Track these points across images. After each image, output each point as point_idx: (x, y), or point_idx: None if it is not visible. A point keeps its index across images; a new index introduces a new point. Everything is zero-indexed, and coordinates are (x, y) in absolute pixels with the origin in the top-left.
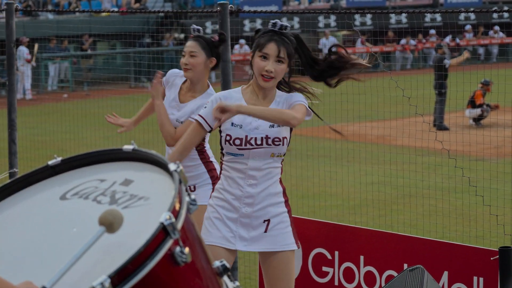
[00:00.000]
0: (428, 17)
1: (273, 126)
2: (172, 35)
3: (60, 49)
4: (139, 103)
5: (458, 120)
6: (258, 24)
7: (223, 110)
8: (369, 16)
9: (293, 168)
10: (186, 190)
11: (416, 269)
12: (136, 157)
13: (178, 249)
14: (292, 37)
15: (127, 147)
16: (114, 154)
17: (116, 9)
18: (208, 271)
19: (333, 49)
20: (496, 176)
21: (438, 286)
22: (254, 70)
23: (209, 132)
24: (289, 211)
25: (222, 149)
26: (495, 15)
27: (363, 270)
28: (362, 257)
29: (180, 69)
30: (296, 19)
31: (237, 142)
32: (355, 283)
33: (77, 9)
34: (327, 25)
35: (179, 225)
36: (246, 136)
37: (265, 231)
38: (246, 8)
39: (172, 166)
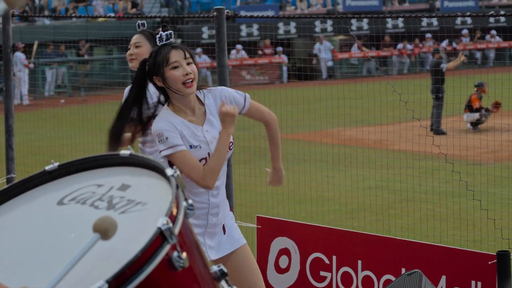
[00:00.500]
0: (424, 21)
1: None
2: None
3: (57, 55)
4: None
5: (455, 125)
6: (254, 29)
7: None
8: (365, 20)
9: (290, 173)
10: (183, 195)
11: (414, 273)
12: (133, 162)
13: (175, 254)
14: None
15: (124, 152)
16: (111, 159)
17: (112, 15)
18: (206, 276)
19: None
20: (494, 181)
21: None
22: (172, 85)
23: None
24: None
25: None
26: (491, 20)
27: (361, 274)
28: (360, 262)
29: None
30: (293, 24)
31: (203, 162)
32: None
33: (73, 15)
34: (323, 30)
35: (176, 230)
36: (209, 153)
37: (224, 233)
38: (242, 13)
39: (169, 171)
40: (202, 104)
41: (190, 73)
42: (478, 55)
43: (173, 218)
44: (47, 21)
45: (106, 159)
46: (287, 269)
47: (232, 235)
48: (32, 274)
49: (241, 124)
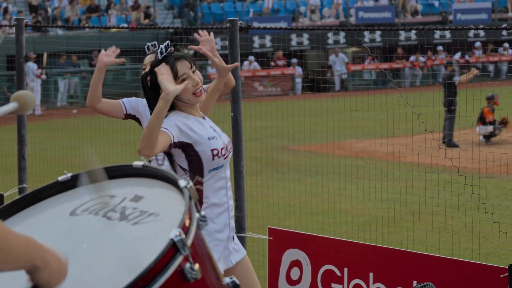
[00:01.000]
0: (437, 34)
1: (223, 131)
2: (181, 51)
3: (70, 65)
4: None
5: (467, 137)
6: (267, 40)
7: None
8: (378, 32)
9: (302, 185)
10: (196, 207)
11: (426, 286)
12: (146, 173)
13: (188, 265)
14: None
15: (137, 163)
16: (124, 170)
17: (125, 25)
18: (218, 287)
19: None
20: (506, 194)
21: None
22: (183, 96)
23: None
24: None
25: (201, 172)
26: (504, 32)
27: (373, 287)
28: (371, 274)
29: None
30: (306, 35)
31: (224, 151)
32: None
33: (86, 25)
34: (336, 42)
35: (189, 242)
36: (224, 142)
37: (233, 240)
38: (255, 24)
39: (182, 183)
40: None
41: (199, 82)
42: (491, 67)
43: (185, 230)
44: (60, 31)
45: (119, 170)
46: (298, 281)
47: (237, 241)
48: None
49: (253, 135)
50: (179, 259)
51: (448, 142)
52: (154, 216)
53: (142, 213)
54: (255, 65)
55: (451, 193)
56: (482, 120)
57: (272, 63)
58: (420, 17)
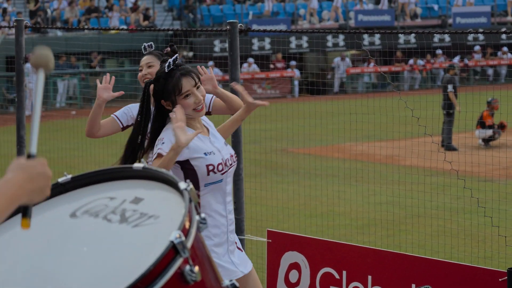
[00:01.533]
0: (436, 37)
1: (226, 144)
2: (181, 53)
3: (69, 66)
4: None
5: (466, 141)
6: (266, 43)
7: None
8: (377, 36)
9: (301, 188)
10: (196, 209)
11: None
12: (146, 175)
13: (187, 267)
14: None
15: (137, 165)
16: (124, 172)
17: (125, 27)
18: None
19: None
20: (505, 197)
21: None
22: (185, 111)
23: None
24: None
25: (195, 185)
26: (503, 36)
27: None
28: (370, 277)
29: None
30: (305, 38)
31: (220, 167)
32: None
33: (86, 27)
34: (335, 45)
35: (189, 244)
36: (222, 159)
37: (242, 251)
38: (255, 27)
39: (182, 185)
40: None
41: (201, 100)
42: (490, 71)
43: (185, 232)
44: (59, 33)
45: (119, 172)
46: (297, 284)
47: (244, 255)
48: (44, 286)
49: (252, 138)
50: (179, 261)
51: (447, 145)
52: (154, 218)
53: (142, 215)
54: (254, 67)
55: (450, 197)
56: (481, 124)
57: (271, 66)
58: (420, 21)
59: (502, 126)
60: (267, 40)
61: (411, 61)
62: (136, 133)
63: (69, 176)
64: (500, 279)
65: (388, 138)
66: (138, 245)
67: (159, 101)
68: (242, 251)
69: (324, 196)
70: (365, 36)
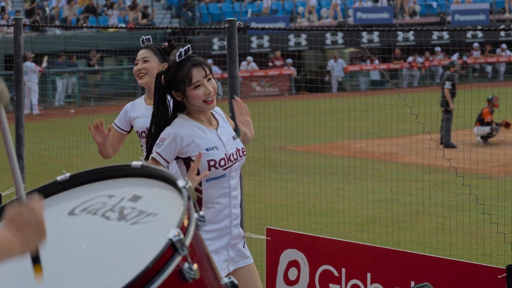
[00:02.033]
0: (435, 34)
1: (234, 138)
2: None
3: (68, 65)
4: None
5: (465, 138)
6: (265, 40)
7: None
8: (376, 33)
9: (300, 185)
10: (195, 207)
11: (423, 286)
12: (144, 173)
13: (186, 265)
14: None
15: (136, 163)
16: (123, 170)
17: (123, 25)
18: (216, 287)
19: None
20: (504, 194)
21: None
22: (194, 102)
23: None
24: None
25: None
26: (502, 33)
27: (370, 287)
28: (369, 274)
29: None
30: (304, 36)
31: (222, 163)
32: None
33: (84, 25)
34: (334, 42)
35: (187, 242)
36: (226, 154)
37: (243, 246)
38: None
39: (180, 183)
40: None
41: (211, 91)
42: (489, 69)
43: (184, 230)
44: (58, 31)
45: (118, 169)
46: (296, 281)
47: (246, 248)
48: (42, 284)
49: None
50: (177, 259)
51: (446, 142)
52: (153, 216)
53: (140, 213)
54: (253, 65)
55: (449, 194)
56: (480, 121)
57: (270, 64)
58: (418, 18)
59: (507, 125)
60: (266, 38)
61: (410, 59)
62: (151, 125)
63: (68, 174)
64: (499, 276)
65: (387, 136)
66: (137, 243)
67: (170, 92)
68: (244, 247)
69: (323, 194)
70: (364, 33)
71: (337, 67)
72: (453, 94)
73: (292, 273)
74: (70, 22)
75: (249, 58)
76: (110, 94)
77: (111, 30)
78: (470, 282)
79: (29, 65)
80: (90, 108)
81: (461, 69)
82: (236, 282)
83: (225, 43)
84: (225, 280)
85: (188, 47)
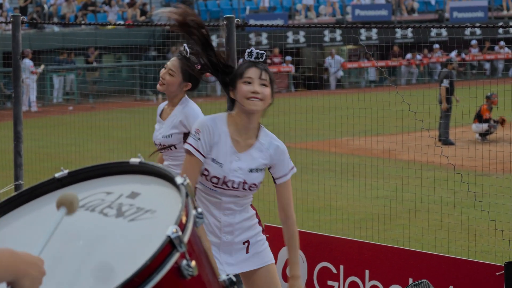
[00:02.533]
0: (434, 32)
1: (251, 171)
2: (178, 48)
3: (66, 62)
4: (144, 116)
5: (463, 135)
6: (263, 38)
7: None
8: (374, 30)
9: (298, 182)
10: (193, 204)
11: (422, 283)
12: (143, 170)
13: (184, 262)
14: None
15: (134, 160)
16: (121, 167)
17: (122, 22)
18: (215, 284)
19: None
20: (502, 192)
21: None
22: (239, 97)
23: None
24: (263, 230)
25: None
26: (500, 30)
27: (368, 284)
28: (367, 272)
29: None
30: (302, 33)
31: (214, 180)
32: None
33: (83, 22)
34: (332, 39)
35: (185, 239)
36: (224, 177)
37: (247, 252)
38: (252, 22)
39: (178, 180)
40: (256, 137)
41: (259, 93)
42: (487, 66)
43: (182, 227)
44: (56, 28)
45: (116, 166)
46: None
47: (255, 254)
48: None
49: None
50: (175, 256)
51: (444, 139)
52: (151, 213)
53: (138, 210)
54: None
55: (447, 191)
56: (478, 118)
57: (269, 61)
58: (417, 15)
59: (502, 121)
60: (264, 35)
61: (408, 56)
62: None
63: (66, 171)
64: (497, 273)
65: (385, 133)
66: (135, 240)
67: (228, 90)
68: (247, 252)
69: (321, 191)
70: (362, 30)
71: (334, 64)
72: (451, 92)
73: None
74: (68, 19)
75: None
76: (108, 91)
77: (110, 27)
78: (468, 279)
79: (27, 62)
80: (88, 105)
81: (459, 66)
82: (234, 279)
83: (223, 40)
84: (223, 277)
85: (262, 53)
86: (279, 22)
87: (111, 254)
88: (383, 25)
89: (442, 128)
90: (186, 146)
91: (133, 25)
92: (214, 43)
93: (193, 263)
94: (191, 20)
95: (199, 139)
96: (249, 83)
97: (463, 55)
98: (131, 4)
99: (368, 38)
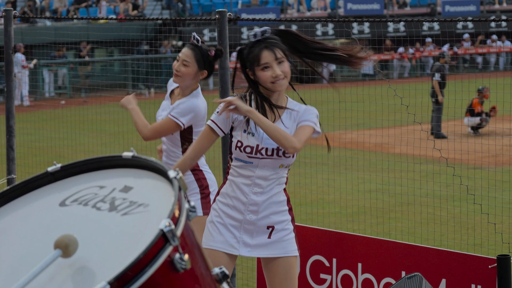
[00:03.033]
0: (426, 25)
1: None
2: (170, 42)
3: (58, 56)
4: None
5: (456, 129)
6: None
7: (230, 105)
8: (367, 24)
9: (290, 176)
10: (186, 197)
11: (414, 276)
12: (135, 164)
13: (177, 256)
14: (274, 35)
15: (127, 154)
16: (114, 160)
17: (114, 16)
18: (208, 278)
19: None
20: (494, 185)
21: None
22: (262, 83)
23: (222, 136)
24: (292, 219)
25: (231, 153)
26: (492, 24)
27: (361, 277)
28: (360, 265)
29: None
30: (294, 27)
31: (248, 150)
32: None
33: (75, 16)
34: (325, 33)
35: (178, 232)
36: (258, 145)
37: (269, 237)
38: (244, 16)
39: (171, 173)
40: (285, 106)
41: (280, 75)
42: (479, 59)
43: (175, 220)
44: (48, 23)
45: (109, 160)
46: None
47: (278, 242)
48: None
49: None
50: (168, 250)
51: (436, 133)
52: (144, 207)
53: (131, 204)
54: None
55: (440, 184)
56: (470, 112)
57: None
58: (409, 9)
59: (491, 111)
60: (256, 29)
61: (400, 49)
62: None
63: (59, 165)
64: (489, 266)
65: (378, 126)
66: (128, 233)
67: (245, 69)
68: (269, 238)
69: (313, 184)
70: (354, 24)
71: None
72: (443, 85)
73: None
74: (60, 13)
75: None
76: (100, 85)
77: (102, 21)
78: (460, 272)
79: (19, 56)
80: (81, 99)
81: (451, 60)
82: (227, 272)
83: (215, 34)
84: (216, 270)
85: (265, 29)
86: (271, 16)
87: (104, 248)
88: (375, 19)
89: (434, 122)
90: (208, 122)
91: (125, 19)
92: (206, 37)
93: (186, 256)
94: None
95: (217, 112)
96: (268, 67)
97: (455, 49)
98: None
99: (360, 32)
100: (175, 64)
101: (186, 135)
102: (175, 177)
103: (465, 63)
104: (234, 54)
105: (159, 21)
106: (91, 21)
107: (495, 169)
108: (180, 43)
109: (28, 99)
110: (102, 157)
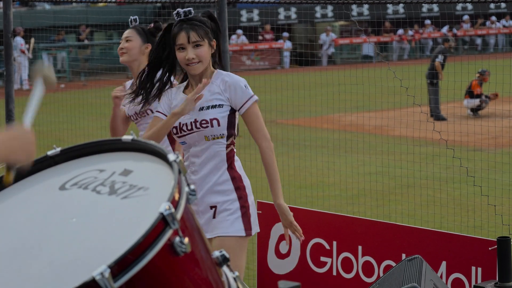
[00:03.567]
0: (425, 7)
1: (201, 109)
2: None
3: (58, 40)
4: None
5: (455, 111)
6: (255, 14)
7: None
8: (366, 6)
9: (290, 159)
10: (186, 180)
11: (414, 259)
12: (135, 147)
13: (177, 239)
14: (205, 17)
15: (126, 137)
16: (113, 144)
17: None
18: (208, 261)
19: None
20: (494, 167)
21: (437, 276)
22: (180, 63)
23: None
24: (240, 198)
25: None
26: (492, 6)
27: (361, 260)
28: (360, 247)
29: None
30: (293, 9)
31: (174, 131)
32: (353, 273)
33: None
34: (324, 15)
35: (178, 215)
36: (180, 123)
37: (214, 217)
38: None
39: (171, 157)
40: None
41: (193, 58)
42: (479, 41)
43: (175, 204)
44: (47, 6)
45: (108, 144)
46: (287, 255)
47: (221, 221)
48: (32, 258)
49: None
50: (168, 233)
51: (436, 115)
52: (144, 190)
53: (131, 187)
54: (243, 39)
55: (439, 166)
56: (470, 93)
57: (260, 37)
58: None
59: (495, 96)
60: (256, 11)
61: (400, 31)
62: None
63: (58, 149)
64: (489, 248)
65: (377, 109)
66: (128, 217)
67: (164, 50)
68: (214, 217)
69: (313, 167)
70: (354, 6)
71: (328, 41)
72: (442, 67)
73: (283, 247)
74: None
75: (239, 31)
76: (100, 69)
77: (101, 4)
78: (461, 254)
79: (18, 40)
80: (80, 82)
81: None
82: (227, 255)
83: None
84: (216, 254)
85: (189, 10)
86: None
87: (104, 231)
88: (375, 1)
89: (433, 104)
90: (156, 114)
91: (124, 2)
92: None
93: (186, 240)
94: None
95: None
96: (183, 48)
97: (454, 31)
98: None
99: (360, 14)
100: (119, 46)
101: None
102: (175, 160)
103: (464, 45)
104: (233, 37)
105: (158, 4)
106: (90, 4)
107: (495, 151)
108: (190, 15)
109: (27, 83)
110: (102, 141)
